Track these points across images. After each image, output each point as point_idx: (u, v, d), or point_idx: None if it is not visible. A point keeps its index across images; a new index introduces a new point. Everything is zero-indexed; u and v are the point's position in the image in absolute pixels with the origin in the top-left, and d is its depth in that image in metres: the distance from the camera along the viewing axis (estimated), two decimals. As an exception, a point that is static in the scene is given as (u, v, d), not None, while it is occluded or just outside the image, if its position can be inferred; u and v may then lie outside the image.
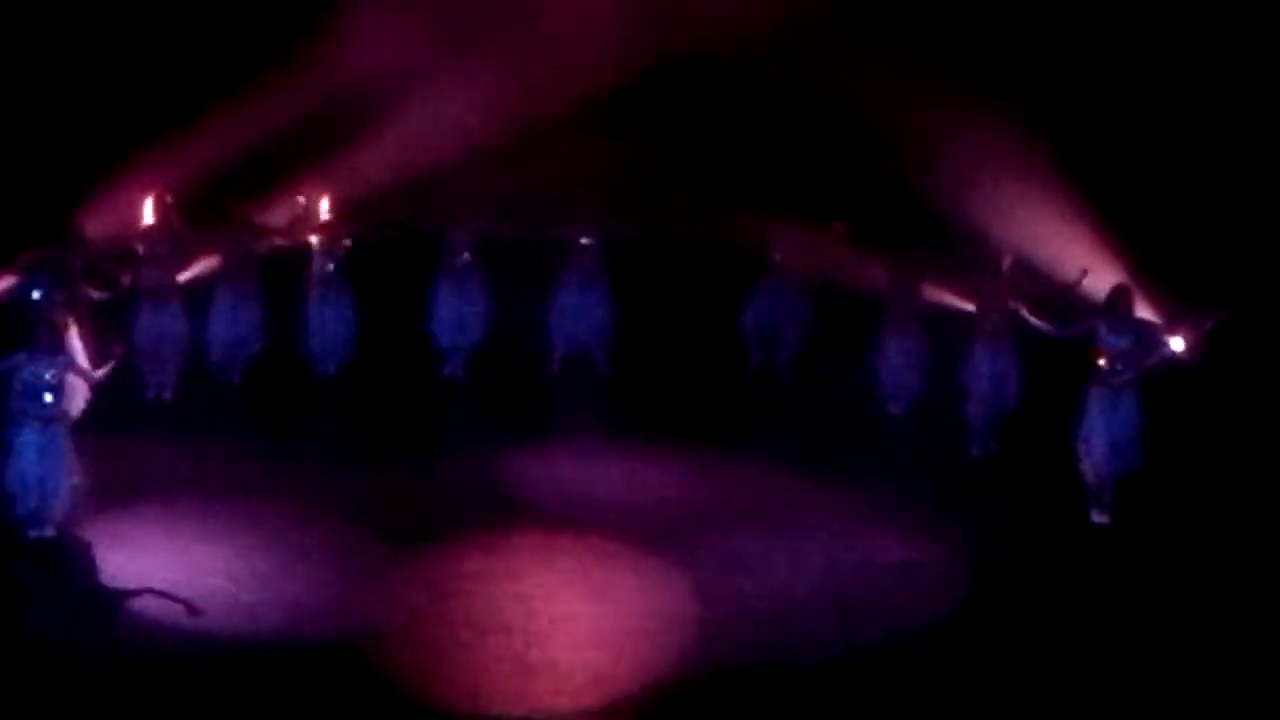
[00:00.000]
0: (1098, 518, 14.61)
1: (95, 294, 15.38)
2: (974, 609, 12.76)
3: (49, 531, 13.21)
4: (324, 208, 17.88)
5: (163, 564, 12.96)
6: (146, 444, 15.66)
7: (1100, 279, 15.21)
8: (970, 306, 16.38)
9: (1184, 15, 18.51)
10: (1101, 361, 14.48)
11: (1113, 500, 14.58)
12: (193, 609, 12.13)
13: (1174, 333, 14.46)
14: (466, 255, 18.12)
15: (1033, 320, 15.40)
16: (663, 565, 13.39)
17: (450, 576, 13.02)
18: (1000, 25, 18.98)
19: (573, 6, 19.44)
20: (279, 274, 17.80)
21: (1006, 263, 16.11)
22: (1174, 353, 14.42)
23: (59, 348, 13.47)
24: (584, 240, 18.28)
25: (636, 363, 18.53)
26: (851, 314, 17.86)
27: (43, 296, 14.97)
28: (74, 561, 12.77)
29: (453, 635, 12.00)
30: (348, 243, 17.86)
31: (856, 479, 15.56)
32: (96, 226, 16.66)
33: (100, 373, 13.67)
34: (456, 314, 18.20)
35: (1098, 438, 14.49)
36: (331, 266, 17.79)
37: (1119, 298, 14.59)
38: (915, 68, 18.59)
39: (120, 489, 14.16)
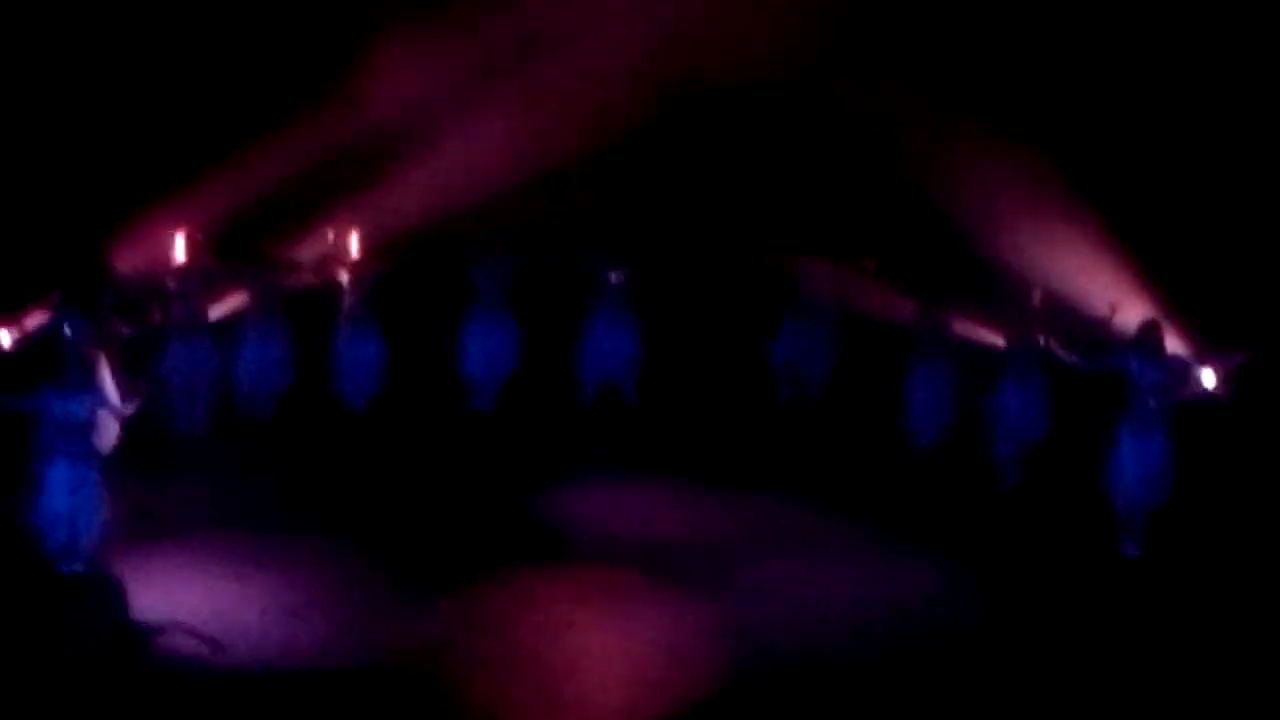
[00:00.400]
0: (1129, 550, 14.58)
1: (126, 330, 15.41)
2: (1003, 642, 12.72)
3: (79, 567, 13.25)
4: (353, 243, 17.95)
5: (193, 599, 12.98)
6: (177, 479, 15.72)
7: (1131, 313, 15.19)
8: (999, 340, 16.36)
9: (1218, 48, 18.48)
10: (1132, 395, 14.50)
11: (1144, 533, 14.56)
12: (220, 645, 12.15)
13: (1205, 367, 14.44)
14: (496, 290, 18.16)
15: (1062, 354, 15.39)
16: (692, 598, 13.38)
17: (480, 611, 13.02)
18: (1031, 59, 18.97)
19: (601, 40, 19.48)
20: (308, 310, 17.85)
21: (1036, 297, 16.09)
22: (1205, 387, 14.39)
23: (90, 384, 13.49)
24: (613, 274, 18.31)
25: (665, 396, 18.56)
26: (880, 348, 17.87)
27: (74, 332, 15.00)
28: (105, 597, 12.78)
29: (483, 670, 11.99)
30: (376, 276, 17.93)
31: (885, 512, 15.57)
32: (128, 262, 16.76)
33: (131, 408, 13.70)
34: (486, 348, 18.25)
35: (1129, 471, 14.47)
36: (360, 302, 17.86)
37: (1149, 332, 14.58)
38: (947, 102, 18.60)
39: (151, 524, 14.21)
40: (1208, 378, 14.39)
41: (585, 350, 18.50)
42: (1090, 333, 15.61)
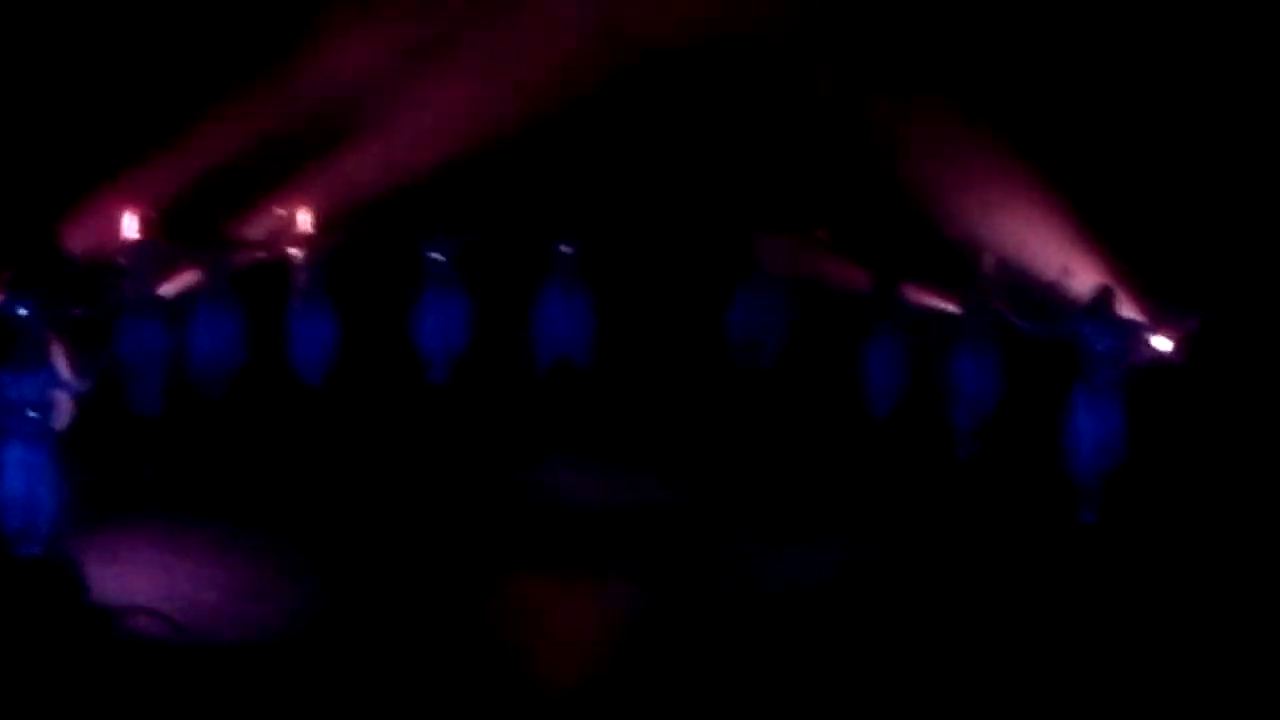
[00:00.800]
0: (1086, 517, 14.65)
1: (78, 309, 15.30)
2: (963, 609, 12.77)
3: (37, 550, 13.17)
4: (304, 220, 17.87)
5: (151, 580, 12.92)
6: (132, 459, 15.64)
7: (1084, 279, 15.24)
8: (953, 308, 16.40)
9: (1165, 14, 18.53)
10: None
11: (1100, 499, 14.63)
12: (180, 627, 12.10)
13: (1158, 332, 14.50)
14: (447, 264, 18.12)
15: (1015, 320, 15.44)
16: (651, 568, 13.40)
17: (441, 585, 13.01)
18: (981, 27, 18.99)
19: (552, 9, 19.42)
20: (261, 287, 17.78)
21: (989, 264, 16.13)
22: (1159, 352, 14.45)
23: (44, 364, 13.39)
24: (565, 246, 18.30)
25: (621, 367, 18.57)
26: (835, 318, 17.91)
27: (26, 312, 14.88)
28: (62, 578, 12.72)
29: (445, 642, 11.98)
30: (329, 252, 17.87)
31: (842, 481, 15.61)
32: (79, 242, 16.65)
33: (84, 388, 13.60)
34: (439, 322, 18.23)
35: (1084, 437, 14.53)
36: (313, 278, 17.79)
37: (1102, 298, 14.64)
38: (899, 72, 18.61)
39: (107, 506, 14.13)
40: (1162, 342, 14.45)
41: (539, 323, 18.50)
42: (1043, 299, 15.66)
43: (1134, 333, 14.58)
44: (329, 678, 11.48)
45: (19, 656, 11.60)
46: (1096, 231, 16.26)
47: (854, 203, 18.87)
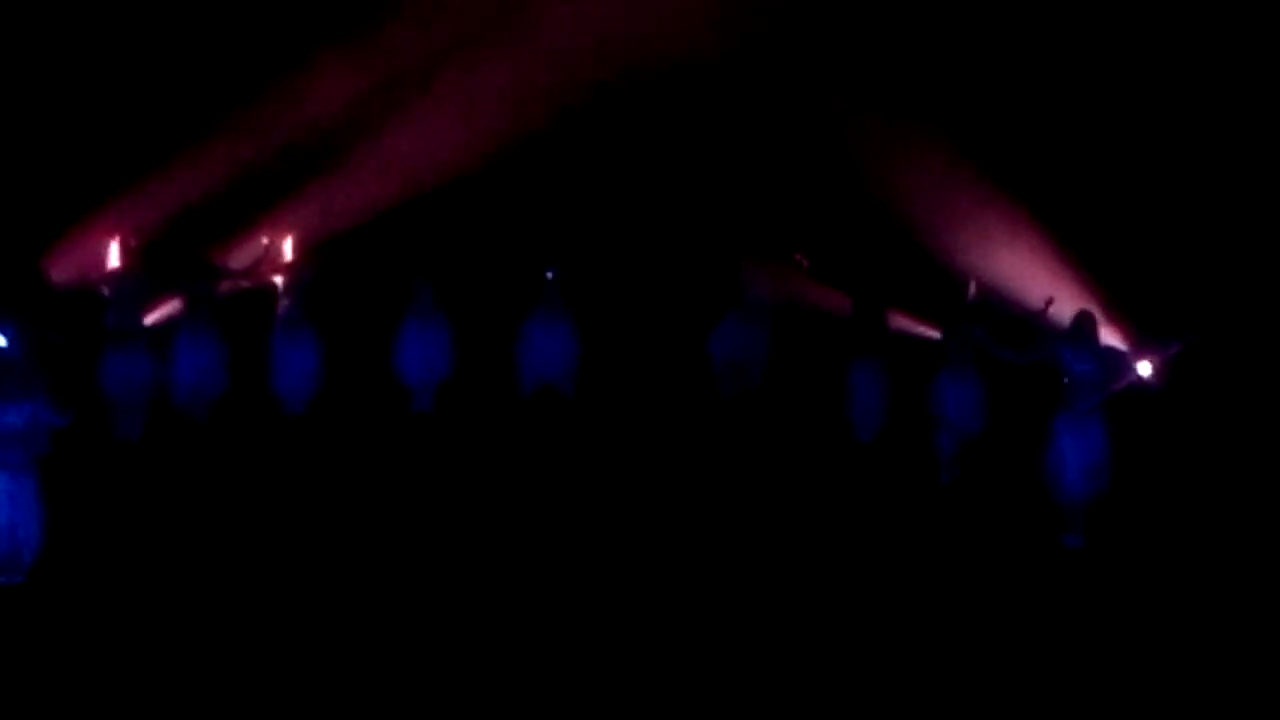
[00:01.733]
0: (1071, 541, 14.67)
1: (61, 338, 15.28)
2: (949, 633, 12.78)
3: (19, 579, 13.15)
4: (287, 248, 17.89)
5: (132, 605, 12.93)
6: (114, 487, 15.64)
7: (1065, 305, 15.28)
8: (935, 334, 16.45)
9: (1149, 40, 18.61)
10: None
11: (1085, 523, 14.66)
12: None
13: (1140, 358, 14.54)
14: (429, 291, 18.15)
15: (994, 348, 15.47)
16: (635, 594, 13.40)
17: (424, 610, 13.00)
18: (965, 52, 19.06)
19: (537, 38, 19.47)
20: (244, 314, 17.79)
21: (971, 290, 16.17)
22: (1140, 378, 14.49)
23: (27, 393, 13.36)
24: (549, 273, 18.33)
25: (604, 393, 18.60)
26: (818, 343, 17.96)
27: (8, 341, 14.84)
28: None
29: (426, 666, 11.97)
30: (312, 279, 17.89)
31: (826, 506, 15.63)
32: (61, 271, 16.65)
33: (66, 418, 13.56)
34: (421, 350, 18.25)
35: (1068, 462, 14.57)
36: (296, 305, 17.81)
37: (1082, 323, 14.67)
38: (882, 98, 18.68)
39: (89, 534, 14.13)
40: (1144, 367, 14.48)
41: (523, 350, 18.52)
42: (1024, 325, 15.70)
43: (1113, 357, 14.62)
44: (302, 702, 11.47)
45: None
46: (1077, 257, 16.31)
47: (836, 228, 18.92)
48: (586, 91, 19.06)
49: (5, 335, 14.78)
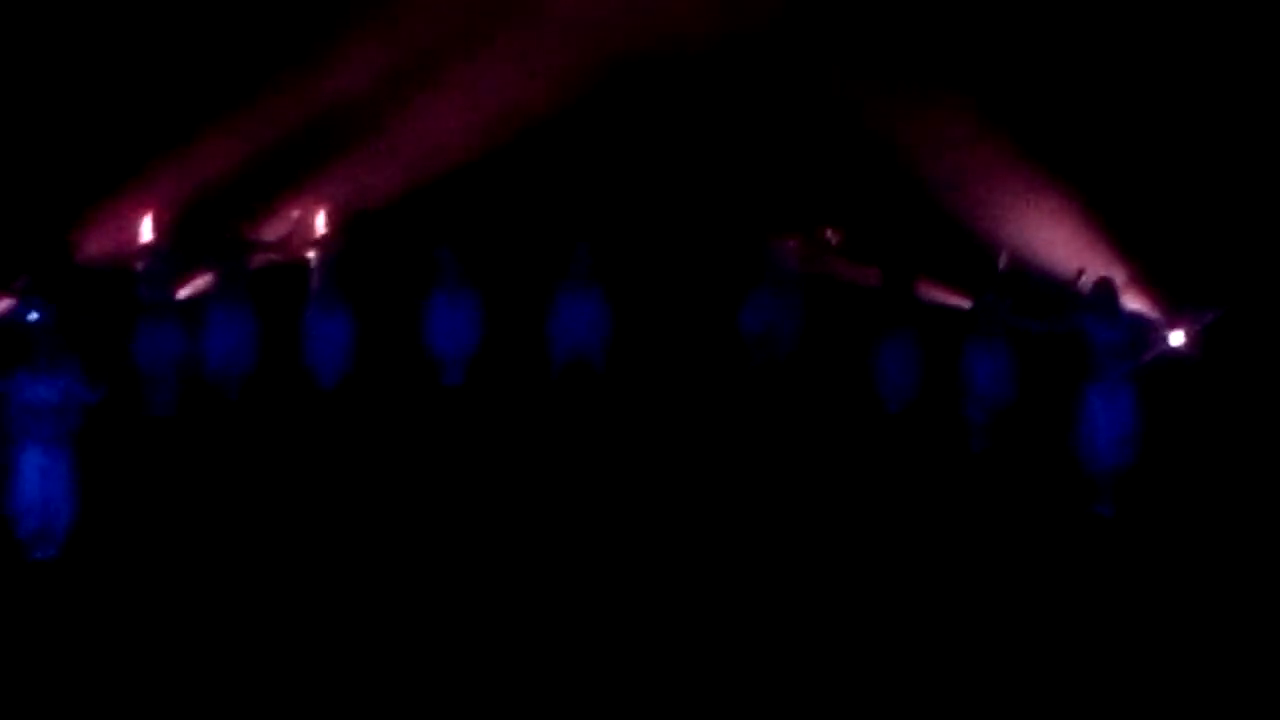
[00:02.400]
0: (1101, 510, 14.65)
1: (94, 313, 15.35)
2: (978, 604, 12.78)
3: (53, 553, 13.24)
4: (319, 221, 17.91)
5: (166, 578, 13.00)
6: (146, 461, 15.71)
7: (1095, 275, 15.20)
8: (965, 303, 16.41)
9: (1175, 12, 18.51)
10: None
11: (1114, 493, 14.64)
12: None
13: (1171, 328, 14.48)
14: (459, 265, 18.17)
15: (1016, 319, 15.44)
16: (666, 568, 13.41)
17: (460, 584, 13.03)
18: (991, 21, 18.97)
19: (565, 11, 19.43)
20: (276, 289, 17.83)
21: (1002, 260, 16.12)
22: (1172, 347, 14.43)
23: (60, 368, 13.43)
24: (580, 247, 18.33)
25: (635, 367, 18.60)
26: (848, 316, 17.96)
27: (41, 316, 14.95)
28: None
29: (451, 642, 12.00)
30: (343, 253, 17.92)
31: (857, 477, 15.64)
32: (94, 245, 16.71)
33: (99, 392, 13.63)
34: (451, 324, 18.27)
35: (1098, 432, 14.53)
36: (328, 280, 17.83)
37: (1103, 291, 14.58)
38: (908, 69, 18.62)
39: (122, 508, 14.20)
40: (1176, 337, 14.43)
41: (554, 324, 18.52)
42: (1053, 295, 15.64)
43: (1138, 326, 14.56)
44: (335, 678, 11.51)
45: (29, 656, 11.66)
46: (1109, 226, 16.25)
47: (866, 201, 18.88)
48: (615, 62, 19.01)
49: (38, 311, 14.91)
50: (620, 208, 19.35)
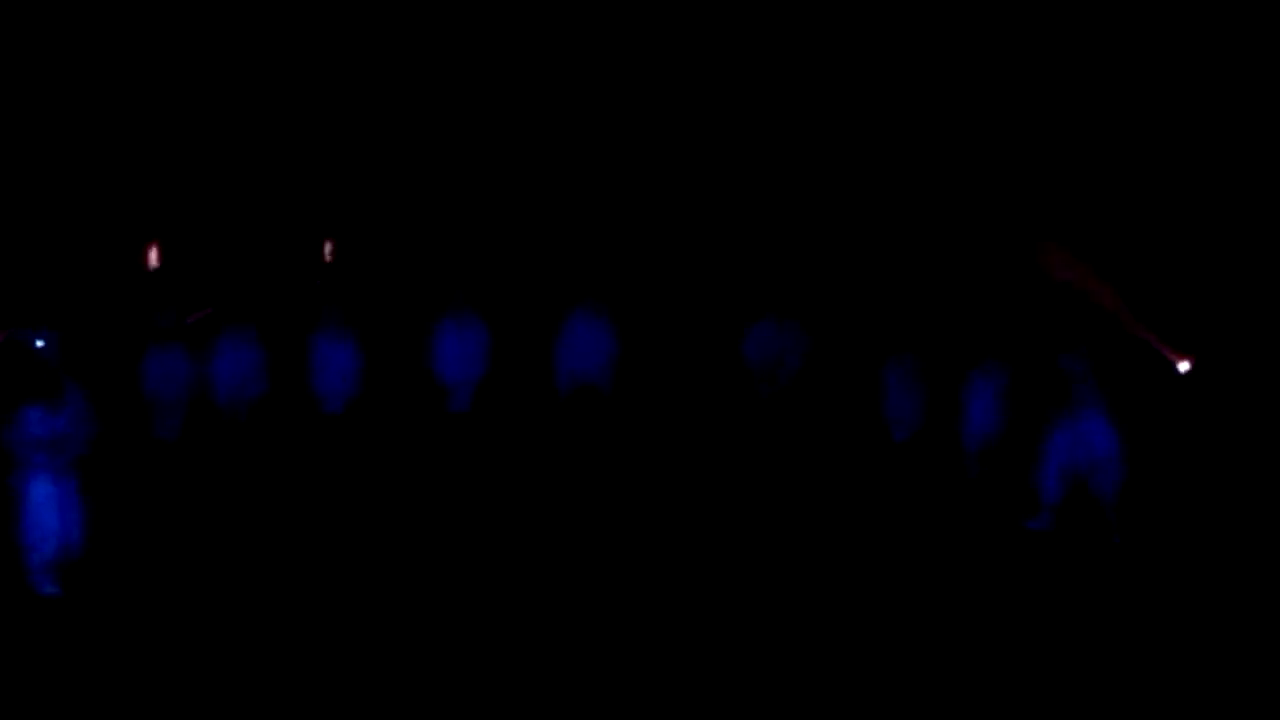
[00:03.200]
0: (1105, 535, 14.70)
1: (103, 340, 15.43)
2: (986, 628, 12.80)
3: (58, 589, 13.27)
4: (327, 250, 18.01)
5: (174, 606, 13.07)
6: (155, 487, 15.79)
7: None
8: (967, 335, 16.48)
9: (1167, 56, 18.60)
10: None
11: (1117, 519, 14.70)
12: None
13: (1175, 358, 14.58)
14: (465, 293, 18.25)
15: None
16: (674, 592, 13.47)
17: (465, 608, 13.10)
18: (975, 58, 19.08)
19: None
20: (283, 315, 17.92)
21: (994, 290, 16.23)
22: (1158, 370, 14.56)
23: (70, 396, 13.49)
24: (584, 274, 18.42)
25: (641, 393, 18.67)
26: (853, 346, 18.03)
27: (49, 345, 15.00)
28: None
29: (460, 668, 12.06)
30: (351, 280, 18.03)
31: (862, 505, 15.69)
32: (103, 272, 16.81)
33: (108, 420, 13.68)
34: (457, 351, 18.34)
35: (1082, 458, 14.65)
36: (336, 306, 17.93)
37: (1073, 321, 14.72)
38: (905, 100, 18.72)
39: (132, 534, 14.28)
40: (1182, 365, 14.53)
41: (561, 349, 18.59)
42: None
43: (1102, 354, 14.66)
44: (344, 701, 11.57)
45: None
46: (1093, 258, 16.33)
47: (869, 234, 18.97)
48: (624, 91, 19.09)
49: (45, 339, 14.96)
50: (627, 234, 19.42)
